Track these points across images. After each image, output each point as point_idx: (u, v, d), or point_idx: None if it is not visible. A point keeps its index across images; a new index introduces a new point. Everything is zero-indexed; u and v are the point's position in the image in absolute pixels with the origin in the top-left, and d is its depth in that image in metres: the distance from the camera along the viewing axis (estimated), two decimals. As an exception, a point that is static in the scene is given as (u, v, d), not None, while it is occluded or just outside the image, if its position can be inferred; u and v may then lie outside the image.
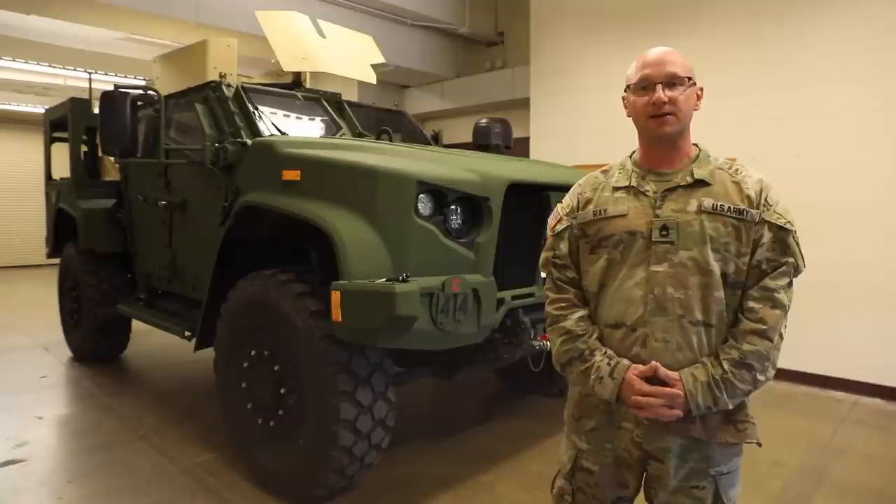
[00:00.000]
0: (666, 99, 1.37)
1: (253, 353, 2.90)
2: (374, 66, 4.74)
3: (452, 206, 2.61)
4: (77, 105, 5.15)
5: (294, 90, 4.03)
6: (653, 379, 1.36)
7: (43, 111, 6.11)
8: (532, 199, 2.92)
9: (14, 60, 7.96)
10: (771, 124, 4.84)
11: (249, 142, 3.19)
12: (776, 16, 4.83)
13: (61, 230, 5.41)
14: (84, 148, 5.31)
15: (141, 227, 4.44)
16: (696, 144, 1.49)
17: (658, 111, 1.38)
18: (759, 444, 1.44)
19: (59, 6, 5.58)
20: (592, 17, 6.09)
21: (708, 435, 1.41)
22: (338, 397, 2.49)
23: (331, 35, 4.49)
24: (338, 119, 3.98)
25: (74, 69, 8.33)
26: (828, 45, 4.57)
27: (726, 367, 1.34)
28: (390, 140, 3.92)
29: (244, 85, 3.66)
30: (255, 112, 3.44)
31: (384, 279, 2.26)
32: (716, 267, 1.36)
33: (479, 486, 3.00)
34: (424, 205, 2.50)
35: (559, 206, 1.60)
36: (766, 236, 1.37)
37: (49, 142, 5.78)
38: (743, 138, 4.90)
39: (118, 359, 5.34)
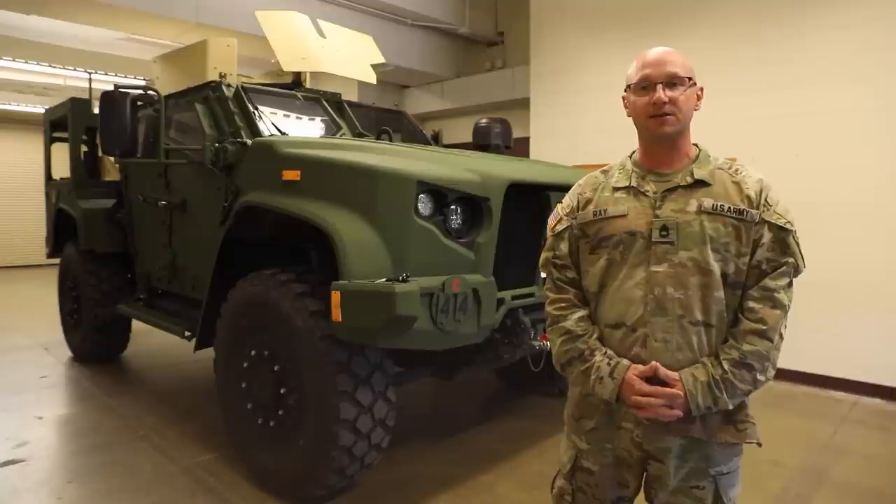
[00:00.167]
0: (666, 99, 1.36)
1: (253, 353, 2.90)
2: (374, 66, 4.74)
3: (452, 206, 2.61)
4: (77, 105, 5.15)
5: (294, 90, 4.03)
6: (653, 379, 1.36)
7: (43, 111, 6.11)
8: (532, 199, 2.92)
9: (14, 60, 7.96)
10: (771, 124, 4.84)
11: (249, 142, 3.19)
12: (776, 16, 4.83)
13: (61, 230, 5.41)
14: (84, 148, 5.31)
15: (141, 227, 4.44)
16: (696, 144, 1.49)
17: (658, 111, 1.38)
18: (759, 444, 1.44)
19: (59, 6, 5.58)
20: (592, 17, 6.09)
21: (708, 435, 1.41)
22: (338, 397, 2.49)
23: (331, 35, 4.49)
24: (338, 119, 3.98)
25: (74, 69, 8.34)
26: (828, 45, 4.57)
27: (726, 367, 1.34)
28: (390, 140, 3.92)
29: (244, 85, 3.66)
30: (255, 112, 3.44)
31: (384, 279, 2.26)
32: (716, 267, 1.36)
33: (479, 486, 3.00)
34: (424, 205, 2.50)
35: (559, 206, 1.60)
36: (766, 236, 1.37)
37: (49, 142, 5.78)
38: (743, 138, 4.90)
39: (118, 359, 5.34)
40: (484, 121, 4.63)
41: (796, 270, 1.40)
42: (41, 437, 3.60)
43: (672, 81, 1.38)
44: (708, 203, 1.38)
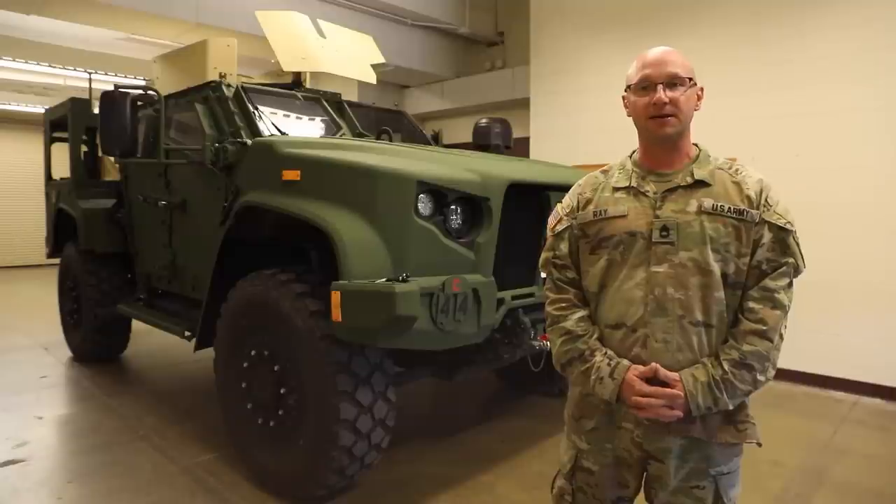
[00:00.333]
0: (667, 99, 1.36)
1: (253, 353, 2.90)
2: (374, 66, 4.74)
3: (452, 206, 2.61)
4: (77, 105, 5.15)
5: (294, 90, 4.03)
6: (653, 380, 1.36)
7: (43, 111, 6.10)
8: (532, 199, 2.92)
9: (14, 60, 7.96)
10: (771, 124, 4.84)
11: (249, 142, 3.19)
12: (776, 16, 4.83)
13: (61, 230, 5.41)
14: (84, 148, 5.31)
15: (141, 227, 4.44)
16: (696, 144, 1.49)
17: (659, 112, 1.37)
18: (760, 445, 1.44)
19: (59, 6, 5.58)
20: (592, 17, 6.09)
21: (708, 435, 1.41)
22: (338, 397, 2.49)
23: (331, 35, 4.49)
24: (338, 119, 3.98)
25: (74, 69, 8.33)
26: (828, 45, 4.57)
27: (726, 367, 1.34)
28: (390, 140, 3.92)
29: (244, 85, 3.66)
30: (255, 112, 3.44)
31: (384, 279, 2.26)
32: (716, 267, 1.36)
33: (479, 486, 3.00)
34: (424, 205, 2.50)
35: (559, 206, 1.60)
36: (767, 237, 1.37)
37: (49, 142, 5.78)
38: (743, 138, 4.90)
39: (118, 359, 5.34)
40: (484, 121, 4.63)
41: (796, 271, 1.40)
42: (41, 437, 3.60)
43: (672, 82, 1.38)
44: (708, 203, 1.38)
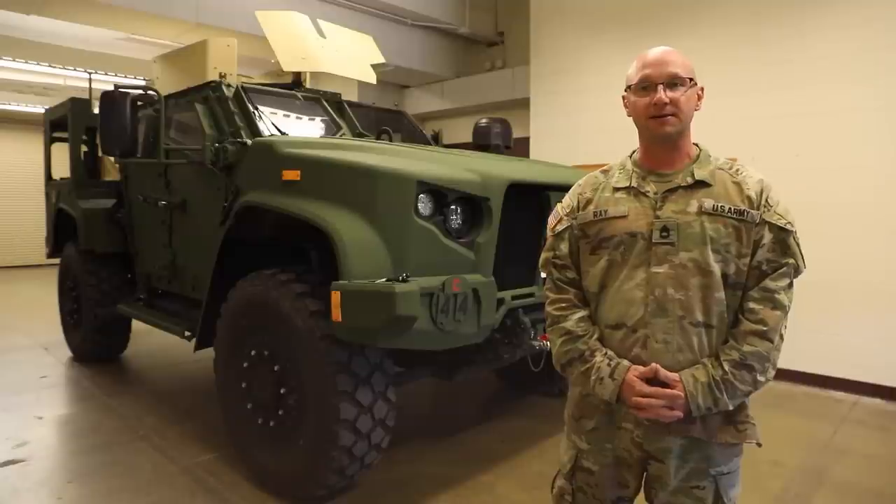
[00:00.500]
0: (667, 99, 1.36)
1: (253, 353, 2.90)
2: (374, 66, 4.74)
3: (452, 206, 2.61)
4: (77, 105, 5.15)
5: (294, 90, 4.03)
6: (653, 380, 1.36)
7: (43, 111, 6.10)
8: (532, 199, 2.92)
9: (14, 60, 7.96)
10: (771, 124, 4.84)
11: (249, 142, 3.19)
12: (776, 16, 4.83)
13: (61, 230, 5.40)
14: (84, 148, 5.31)
15: (141, 227, 4.44)
16: (696, 144, 1.49)
17: (659, 112, 1.37)
18: (759, 445, 1.44)
19: (59, 6, 5.58)
20: (592, 17, 6.09)
21: (708, 435, 1.40)
22: (338, 397, 2.49)
23: (331, 35, 4.49)
24: (338, 119, 3.98)
25: (74, 69, 8.33)
26: (828, 45, 4.57)
27: (727, 368, 1.34)
28: (390, 140, 3.92)
29: (244, 85, 3.66)
30: (255, 112, 3.44)
31: (384, 279, 2.26)
32: (716, 268, 1.36)
33: (479, 486, 3.00)
34: (424, 205, 2.50)
35: (559, 206, 1.60)
36: (767, 237, 1.37)
37: (49, 142, 5.78)
38: (743, 138, 4.90)
39: (118, 359, 5.34)
40: (484, 121, 4.63)
41: (797, 271, 1.39)
42: (41, 437, 3.60)
43: (673, 82, 1.37)
44: (708, 204, 1.38)
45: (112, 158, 4.92)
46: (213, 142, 3.29)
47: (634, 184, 1.46)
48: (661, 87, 1.37)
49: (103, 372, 4.95)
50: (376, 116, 4.39)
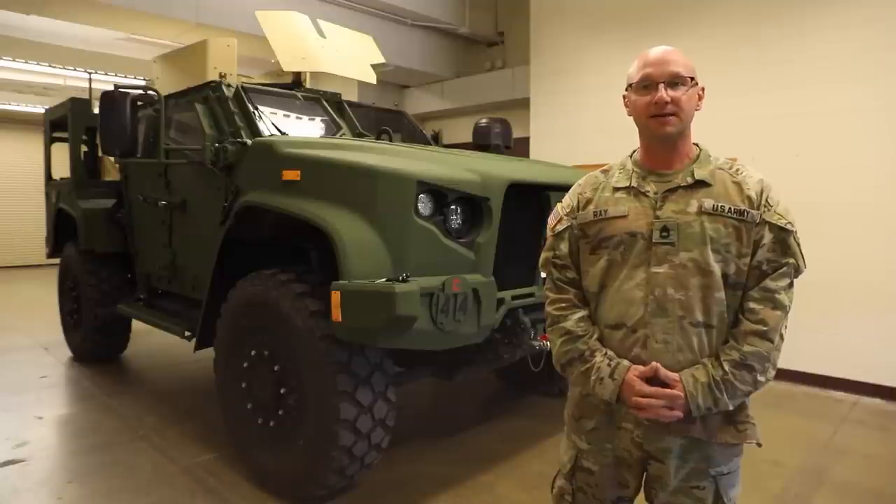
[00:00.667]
0: (668, 99, 1.36)
1: (253, 353, 2.90)
2: (374, 66, 4.74)
3: (452, 206, 2.61)
4: (77, 105, 5.15)
5: (294, 90, 4.03)
6: (653, 380, 1.36)
7: (43, 111, 6.10)
8: (532, 199, 2.92)
9: (14, 60, 7.96)
10: (771, 124, 4.84)
11: (249, 142, 3.19)
12: (776, 16, 4.83)
13: (61, 230, 5.40)
14: (84, 148, 5.31)
15: (141, 227, 4.44)
16: (696, 144, 1.49)
17: (660, 111, 1.37)
18: (760, 445, 1.44)
19: (59, 6, 5.58)
20: (592, 17, 6.09)
21: (708, 435, 1.40)
22: (338, 397, 2.49)
23: (331, 35, 4.49)
24: (338, 119, 3.98)
25: (74, 69, 8.33)
26: (828, 45, 4.57)
27: (727, 368, 1.34)
28: (390, 140, 3.92)
29: (244, 85, 3.66)
30: (255, 112, 3.44)
31: (384, 279, 2.26)
32: (716, 268, 1.36)
33: (479, 486, 3.00)
34: (424, 205, 2.50)
35: (559, 205, 1.60)
36: (767, 237, 1.37)
37: (49, 142, 5.78)
38: (743, 138, 4.90)
39: (118, 359, 5.34)
40: (484, 121, 4.63)
41: (797, 271, 1.39)
42: (41, 437, 3.60)
43: (674, 81, 1.37)
44: (708, 203, 1.37)
45: (112, 158, 4.92)
46: (213, 142, 3.29)
47: (634, 183, 1.46)
48: (662, 87, 1.37)
49: (103, 372, 4.95)
50: (376, 116, 4.39)
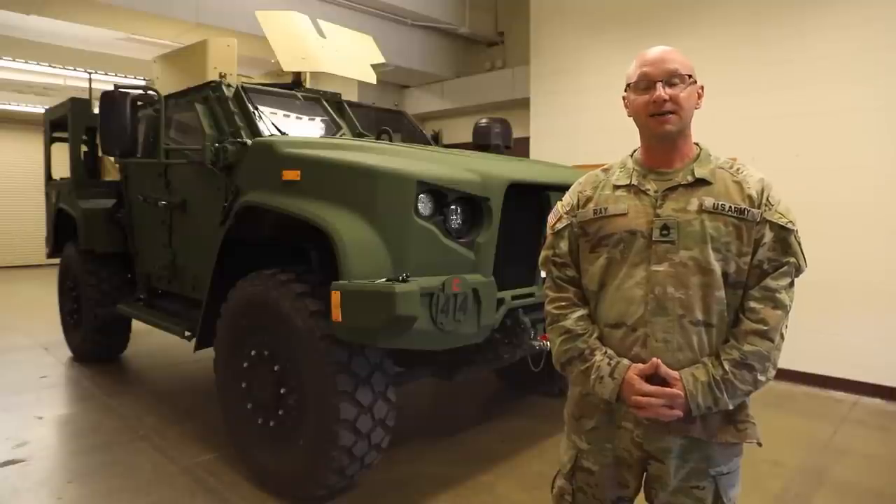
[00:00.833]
0: (667, 97, 1.36)
1: (253, 353, 2.90)
2: (374, 66, 4.74)
3: (452, 206, 2.61)
4: (77, 105, 5.15)
5: (294, 90, 4.03)
6: (653, 378, 1.36)
7: (43, 111, 6.10)
8: (532, 199, 2.92)
9: (14, 60, 7.96)
10: (771, 124, 4.84)
11: (249, 142, 3.19)
12: (776, 16, 4.83)
13: (61, 230, 5.40)
14: (84, 148, 5.31)
15: (141, 227, 4.44)
16: (696, 143, 1.49)
17: (659, 109, 1.37)
18: (760, 444, 1.44)
19: (59, 6, 5.58)
20: (592, 17, 6.09)
21: (708, 435, 1.40)
22: (338, 397, 2.49)
23: (331, 35, 4.49)
24: (338, 119, 3.98)
25: (74, 69, 8.33)
26: (828, 45, 4.57)
27: (727, 367, 1.34)
28: (390, 140, 3.92)
29: (244, 85, 3.66)
30: (255, 112, 3.44)
31: (384, 279, 2.26)
32: (716, 266, 1.36)
33: (479, 486, 3.00)
34: (424, 205, 2.50)
35: (559, 203, 1.60)
36: (768, 236, 1.37)
37: (49, 142, 5.78)
38: (743, 138, 4.90)
39: (118, 359, 5.34)
40: (484, 121, 4.63)
41: (798, 270, 1.39)
42: (41, 437, 3.60)
43: (672, 79, 1.37)
44: (709, 202, 1.37)
45: (112, 158, 4.92)
46: (213, 142, 3.29)
47: (635, 182, 1.46)
48: (660, 85, 1.37)
49: (103, 372, 4.95)
50: (376, 116, 4.39)
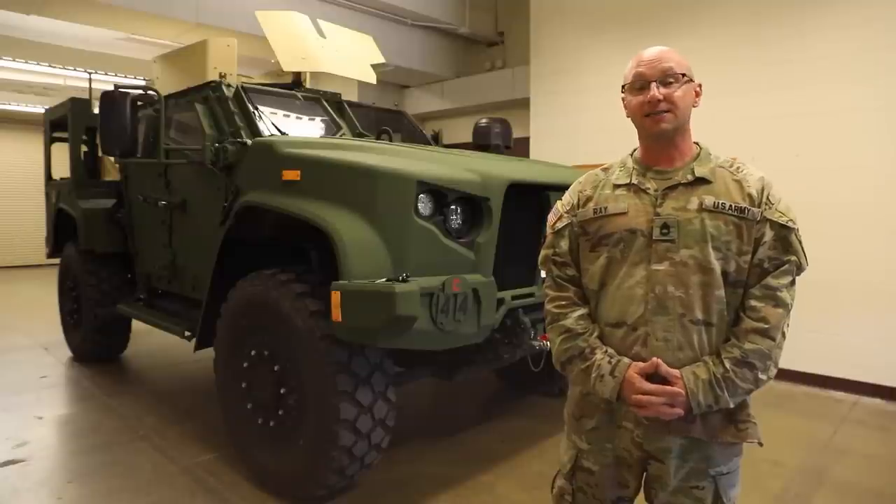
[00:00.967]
0: (661, 96, 1.36)
1: (253, 353, 2.90)
2: (374, 66, 4.74)
3: (452, 206, 2.61)
4: (77, 105, 5.15)
5: (294, 90, 4.03)
6: (654, 376, 1.36)
7: (43, 111, 6.10)
8: (532, 199, 2.92)
9: (14, 60, 7.96)
10: (771, 124, 4.84)
11: (249, 142, 3.19)
12: (776, 16, 4.83)
13: (61, 230, 5.40)
14: (84, 148, 5.31)
15: (141, 227, 4.44)
16: (696, 143, 1.49)
17: (653, 109, 1.38)
18: (761, 444, 1.43)
19: (59, 6, 5.58)
20: (592, 17, 6.09)
21: (708, 435, 1.40)
22: (338, 397, 2.49)
23: (331, 35, 4.49)
24: (338, 119, 3.98)
25: (74, 69, 8.33)
26: (828, 45, 4.57)
27: (728, 365, 1.34)
28: (390, 140, 3.92)
29: (244, 85, 3.66)
30: (255, 112, 3.44)
31: (384, 279, 2.26)
32: (717, 265, 1.36)
33: (479, 486, 3.00)
34: (424, 205, 2.50)
35: (559, 203, 1.60)
36: (768, 234, 1.37)
37: (49, 142, 5.78)
38: (743, 138, 4.90)
39: (118, 359, 5.34)
40: (484, 121, 4.63)
41: (799, 269, 1.39)
42: (41, 437, 3.60)
43: (667, 79, 1.38)
44: (709, 201, 1.37)
45: (112, 158, 4.92)
46: (213, 142, 3.29)
47: (634, 181, 1.46)
48: (654, 85, 1.37)
49: (103, 372, 4.95)
50: (376, 116, 4.39)
